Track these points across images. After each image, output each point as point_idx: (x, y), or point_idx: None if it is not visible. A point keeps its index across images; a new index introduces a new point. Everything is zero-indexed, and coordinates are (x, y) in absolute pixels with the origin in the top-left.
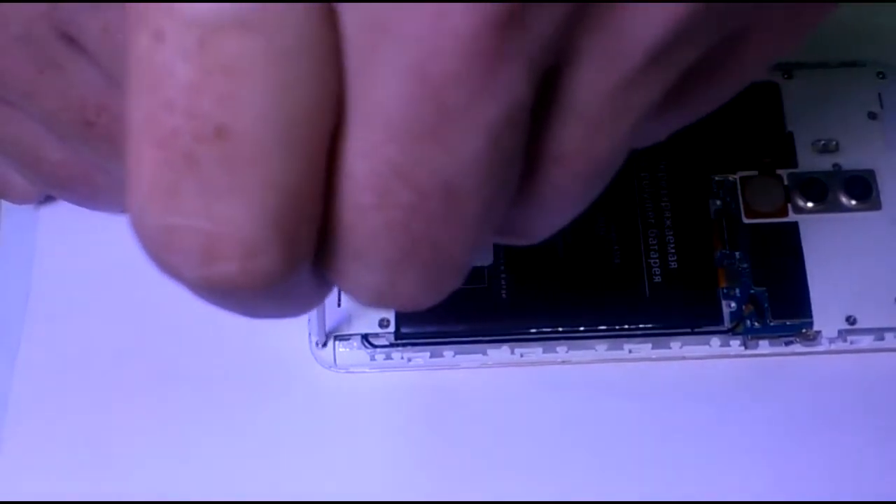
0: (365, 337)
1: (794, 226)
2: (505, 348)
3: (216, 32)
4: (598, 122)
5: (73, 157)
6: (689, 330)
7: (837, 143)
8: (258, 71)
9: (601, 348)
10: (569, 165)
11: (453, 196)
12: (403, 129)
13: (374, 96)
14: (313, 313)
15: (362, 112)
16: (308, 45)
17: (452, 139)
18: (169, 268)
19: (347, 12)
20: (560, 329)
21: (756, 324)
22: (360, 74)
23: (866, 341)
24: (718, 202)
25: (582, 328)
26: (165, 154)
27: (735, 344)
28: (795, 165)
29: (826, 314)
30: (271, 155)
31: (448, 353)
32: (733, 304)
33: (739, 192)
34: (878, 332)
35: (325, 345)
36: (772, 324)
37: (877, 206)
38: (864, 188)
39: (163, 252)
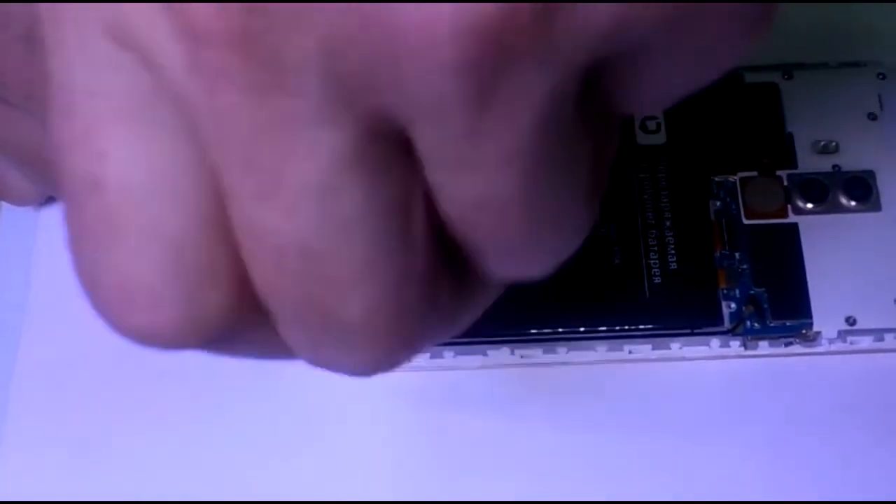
0: None
1: (794, 227)
2: (505, 349)
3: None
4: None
5: None
6: (688, 331)
7: (837, 144)
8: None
9: (601, 349)
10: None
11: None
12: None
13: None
14: None
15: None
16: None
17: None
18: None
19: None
20: (560, 330)
21: (756, 324)
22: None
23: (866, 342)
24: (718, 203)
25: (582, 329)
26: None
27: (735, 345)
28: (795, 166)
29: (826, 315)
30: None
31: (448, 353)
32: (733, 305)
33: (739, 192)
34: (878, 333)
35: None
36: (772, 324)
37: (877, 207)
38: (864, 189)
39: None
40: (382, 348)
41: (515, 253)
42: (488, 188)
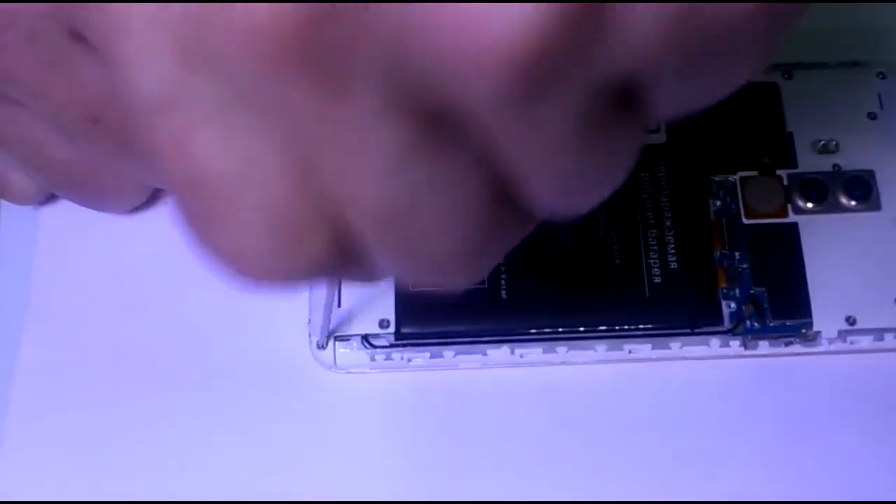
0: (365, 337)
1: (794, 226)
2: (505, 349)
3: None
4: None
5: (79, 156)
6: (688, 330)
7: (837, 144)
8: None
9: (601, 349)
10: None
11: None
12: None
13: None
14: (314, 313)
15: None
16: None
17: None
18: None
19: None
20: (560, 329)
21: (756, 324)
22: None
23: (866, 342)
24: (718, 202)
25: (582, 328)
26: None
27: (735, 344)
28: (795, 166)
29: (826, 314)
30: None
31: (448, 353)
32: (733, 305)
33: (739, 192)
34: (878, 333)
35: (325, 345)
36: (771, 324)
37: (877, 206)
38: (863, 188)
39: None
40: (469, 271)
41: (566, 201)
42: (538, 164)
